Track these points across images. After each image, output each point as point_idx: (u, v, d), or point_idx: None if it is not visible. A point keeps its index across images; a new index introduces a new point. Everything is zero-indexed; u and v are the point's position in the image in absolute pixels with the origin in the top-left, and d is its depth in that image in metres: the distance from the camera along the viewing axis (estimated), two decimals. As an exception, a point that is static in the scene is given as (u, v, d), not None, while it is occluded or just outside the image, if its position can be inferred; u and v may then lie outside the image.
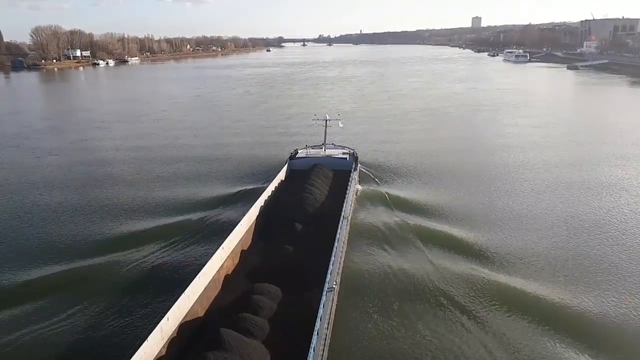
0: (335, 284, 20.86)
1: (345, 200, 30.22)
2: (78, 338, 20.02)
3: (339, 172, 39.53)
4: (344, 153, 43.97)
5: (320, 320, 16.97)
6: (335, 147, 45.50)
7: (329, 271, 20.39)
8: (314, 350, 15.34)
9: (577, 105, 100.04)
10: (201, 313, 20.09)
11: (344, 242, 26.03)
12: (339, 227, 25.47)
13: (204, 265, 21.04)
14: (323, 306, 17.86)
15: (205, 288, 20.88)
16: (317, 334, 16.29)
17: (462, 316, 21.29)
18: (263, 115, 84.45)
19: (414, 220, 32.55)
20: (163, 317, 17.19)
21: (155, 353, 16.60)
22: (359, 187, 39.19)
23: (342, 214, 27.66)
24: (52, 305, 22.27)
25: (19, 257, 27.83)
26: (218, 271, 22.70)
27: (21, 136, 67.21)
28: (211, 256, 22.08)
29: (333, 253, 22.10)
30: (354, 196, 35.53)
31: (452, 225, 32.17)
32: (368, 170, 44.54)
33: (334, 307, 20.21)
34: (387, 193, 38.29)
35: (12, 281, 24.92)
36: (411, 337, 19.80)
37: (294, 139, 57.45)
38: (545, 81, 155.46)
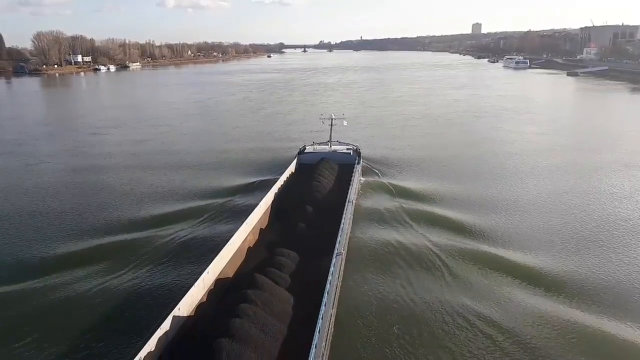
0: (343, 250, 24.89)
1: (350, 188, 34.20)
2: (134, 290, 24.89)
3: (344, 166, 43.11)
4: (348, 148, 48.24)
5: (332, 275, 20.96)
6: (340, 143, 49.84)
7: (338, 240, 24.50)
8: (327, 294, 19.31)
9: (578, 112, 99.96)
10: (231, 274, 24.37)
11: (349, 220, 30.05)
12: (345, 209, 29.47)
13: (231, 237, 25.23)
14: (333, 266, 21.79)
15: (233, 255, 24.98)
16: (330, 284, 20.19)
17: (449, 276, 25.85)
18: (263, 121, 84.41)
19: (411, 204, 37.05)
20: (204, 271, 21.35)
21: (199, 298, 20.75)
22: (362, 178, 43.02)
23: (348, 198, 31.67)
24: (106, 268, 27.00)
25: (78, 232, 32.81)
26: (242, 243, 26.73)
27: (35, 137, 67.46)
28: (236, 230, 26.23)
29: (340, 227, 26.14)
30: (358, 185, 39.53)
31: (446, 207, 36.50)
32: (370, 165, 48.61)
33: (342, 267, 24.16)
34: (388, 183, 42.91)
35: (69, 250, 29.88)
36: (402, 288, 24.73)
37: (293, 145, 57.39)
38: (546, 88, 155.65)
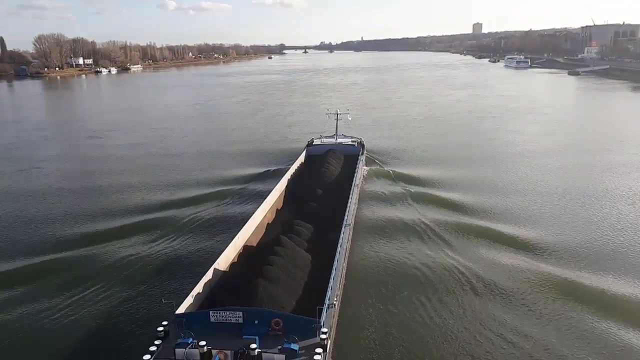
0: (351, 223, 29.41)
1: (355, 174, 38.66)
2: (179, 251, 30.93)
3: (349, 156, 46.68)
4: (352, 141, 52.01)
5: (342, 239, 25.41)
6: (345, 136, 53.79)
7: (346, 214, 28.96)
8: (339, 253, 23.72)
9: (580, 112, 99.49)
10: (255, 242, 28.74)
11: (355, 200, 34.49)
12: (352, 191, 33.64)
13: (254, 212, 30.23)
14: (343, 233, 26.19)
15: (256, 227, 29.62)
16: (341, 246, 24.57)
17: (438, 240, 31.36)
18: (264, 123, 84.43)
19: (410, 188, 42.02)
20: (234, 237, 26.16)
21: (232, 258, 25.40)
22: (366, 167, 46.92)
23: (353, 182, 35.81)
24: (155, 236, 33.04)
25: (130, 210, 38.75)
26: (263, 219, 31.41)
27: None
28: (258, 207, 31.16)
29: (348, 205, 30.60)
30: (362, 172, 43.80)
31: (441, 190, 41.49)
32: (373, 156, 52.64)
33: (351, 235, 28.83)
34: (390, 170, 47.89)
35: (125, 223, 35.74)
36: (400, 250, 30.11)
37: (296, 145, 57.50)
38: (547, 87, 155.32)
